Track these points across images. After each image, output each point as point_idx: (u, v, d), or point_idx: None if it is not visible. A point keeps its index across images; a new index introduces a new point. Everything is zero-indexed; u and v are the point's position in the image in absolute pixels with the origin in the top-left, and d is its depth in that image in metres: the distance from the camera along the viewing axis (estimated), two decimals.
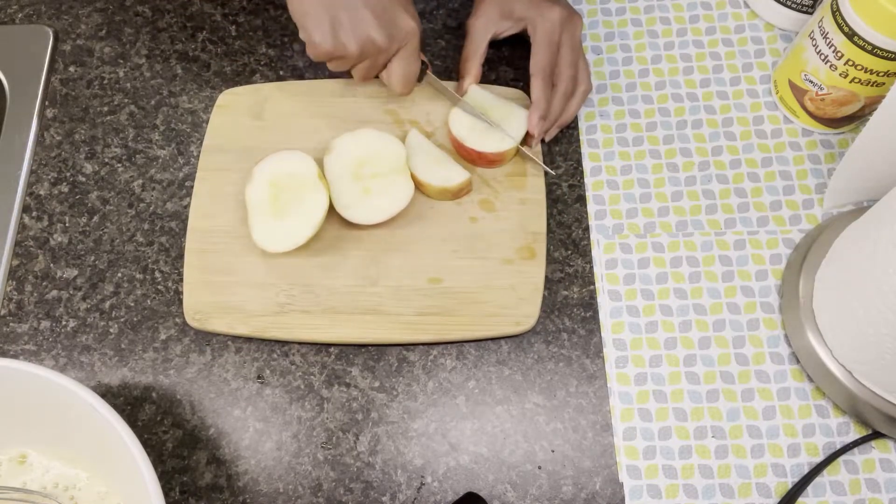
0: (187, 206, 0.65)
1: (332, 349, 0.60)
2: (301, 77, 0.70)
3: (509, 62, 0.70)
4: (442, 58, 0.70)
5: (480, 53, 0.64)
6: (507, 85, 0.68)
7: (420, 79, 0.64)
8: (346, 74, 0.63)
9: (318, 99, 0.66)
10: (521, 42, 0.70)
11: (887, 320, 0.49)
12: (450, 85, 0.65)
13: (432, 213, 0.63)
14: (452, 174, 0.62)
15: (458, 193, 0.62)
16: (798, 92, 0.64)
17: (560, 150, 0.66)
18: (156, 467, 0.47)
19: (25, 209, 0.66)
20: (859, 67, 0.57)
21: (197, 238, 0.62)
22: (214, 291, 0.60)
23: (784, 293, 0.60)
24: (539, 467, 0.57)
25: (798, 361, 0.58)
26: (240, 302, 0.60)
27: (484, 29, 0.63)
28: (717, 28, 0.70)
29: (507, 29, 0.64)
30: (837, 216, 0.62)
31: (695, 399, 0.58)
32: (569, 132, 0.67)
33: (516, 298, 0.60)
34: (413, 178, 0.62)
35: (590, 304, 0.61)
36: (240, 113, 0.66)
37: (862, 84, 0.59)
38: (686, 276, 0.61)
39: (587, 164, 0.66)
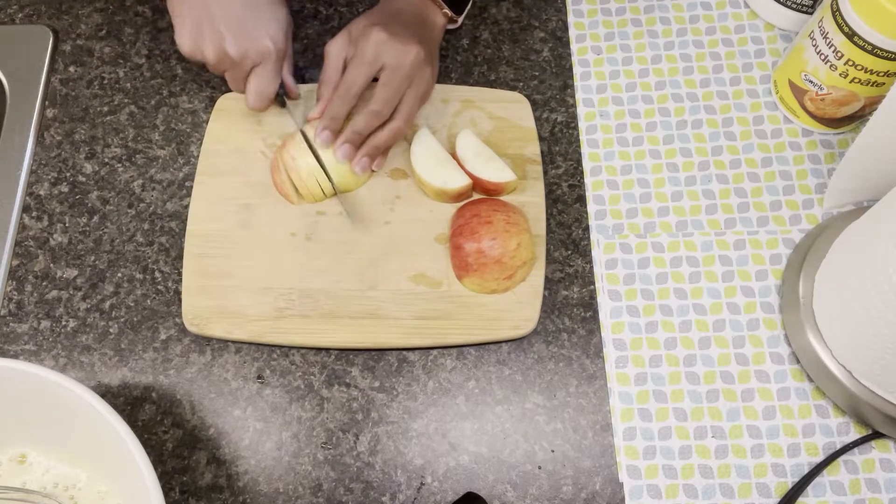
0: (187, 206, 0.65)
1: (332, 349, 0.60)
2: (301, 77, 0.70)
3: (509, 62, 0.70)
4: (441, 58, 0.70)
5: (335, 78, 0.61)
6: (507, 85, 0.68)
7: (282, 104, 0.65)
8: None
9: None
10: (522, 42, 0.70)
11: (887, 320, 0.49)
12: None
13: (432, 216, 0.63)
14: (453, 178, 0.62)
15: (457, 198, 0.62)
16: (798, 92, 0.64)
17: (560, 150, 0.66)
18: (156, 467, 0.47)
19: (25, 209, 0.66)
20: (859, 67, 0.57)
21: (195, 243, 0.62)
22: (212, 296, 0.60)
23: (784, 293, 0.60)
24: (539, 467, 0.57)
25: (798, 361, 0.58)
26: (238, 307, 0.60)
27: (336, 53, 0.61)
28: (717, 28, 0.70)
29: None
30: (837, 216, 0.62)
31: (695, 399, 0.58)
32: (569, 132, 0.67)
33: (515, 302, 0.60)
34: (414, 175, 0.62)
35: (590, 304, 0.61)
36: (238, 117, 0.66)
37: (862, 84, 0.59)
38: (686, 276, 0.61)
39: (587, 164, 0.66)
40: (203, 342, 0.61)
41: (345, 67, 0.61)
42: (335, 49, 0.61)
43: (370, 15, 0.62)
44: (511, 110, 0.66)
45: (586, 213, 0.64)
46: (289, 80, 0.64)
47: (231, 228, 0.63)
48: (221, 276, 0.61)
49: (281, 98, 0.64)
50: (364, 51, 0.58)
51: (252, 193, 0.64)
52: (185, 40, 0.59)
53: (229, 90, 0.68)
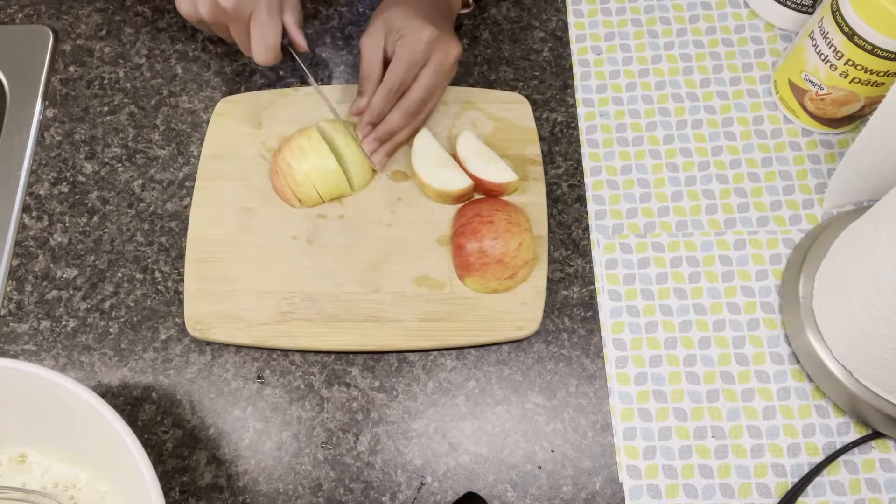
0: (187, 206, 0.65)
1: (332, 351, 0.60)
2: (301, 77, 0.70)
3: (509, 62, 0.70)
4: None
5: (377, 73, 0.60)
6: (507, 85, 0.68)
7: (293, 58, 0.62)
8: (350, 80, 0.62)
9: (318, 106, 0.66)
10: (522, 42, 0.70)
11: (887, 320, 0.49)
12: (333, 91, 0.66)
13: (433, 218, 0.63)
14: (454, 179, 0.61)
15: (458, 199, 0.62)
16: (798, 92, 0.64)
17: (560, 150, 0.66)
18: (156, 467, 0.47)
19: (25, 209, 0.66)
20: (859, 67, 0.57)
21: (197, 248, 0.62)
22: (215, 301, 0.60)
23: (784, 293, 0.60)
24: (539, 467, 0.57)
25: (798, 361, 0.58)
26: (241, 311, 0.60)
27: (374, 47, 0.59)
28: (717, 28, 0.70)
29: (394, 44, 0.59)
30: (837, 216, 0.62)
31: (695, 399, 0.58)
32: (569, 132, 0.67)
33: (518, 303, 0.60)
34: (415, 177, 0.62)
35: (590, 304, 0.61)
36: (238, 121, 0.66)
37: (862, 84, 0.59)
38: (686, 276, 0.61)
39: (587, 164, 0.66)
40: (203, 342, 0.61)
41: (384, 60, 0.59)
42: (371, 42, 0.59)
43: (404, 3, 0.59)
44: (511, 111, 0.66)
45: (586, 213, 0.64)
46: (293, 29, 0.61)
47: (232, 233, 0.62)
48: (223, 280, 0.61)
49: (289, 51, 0.62)
50: (415, 50, 0.57)
51: (252, 197, 0.64)
52: (184, 1, 0.58)
53: (229, 93, 0.68)
